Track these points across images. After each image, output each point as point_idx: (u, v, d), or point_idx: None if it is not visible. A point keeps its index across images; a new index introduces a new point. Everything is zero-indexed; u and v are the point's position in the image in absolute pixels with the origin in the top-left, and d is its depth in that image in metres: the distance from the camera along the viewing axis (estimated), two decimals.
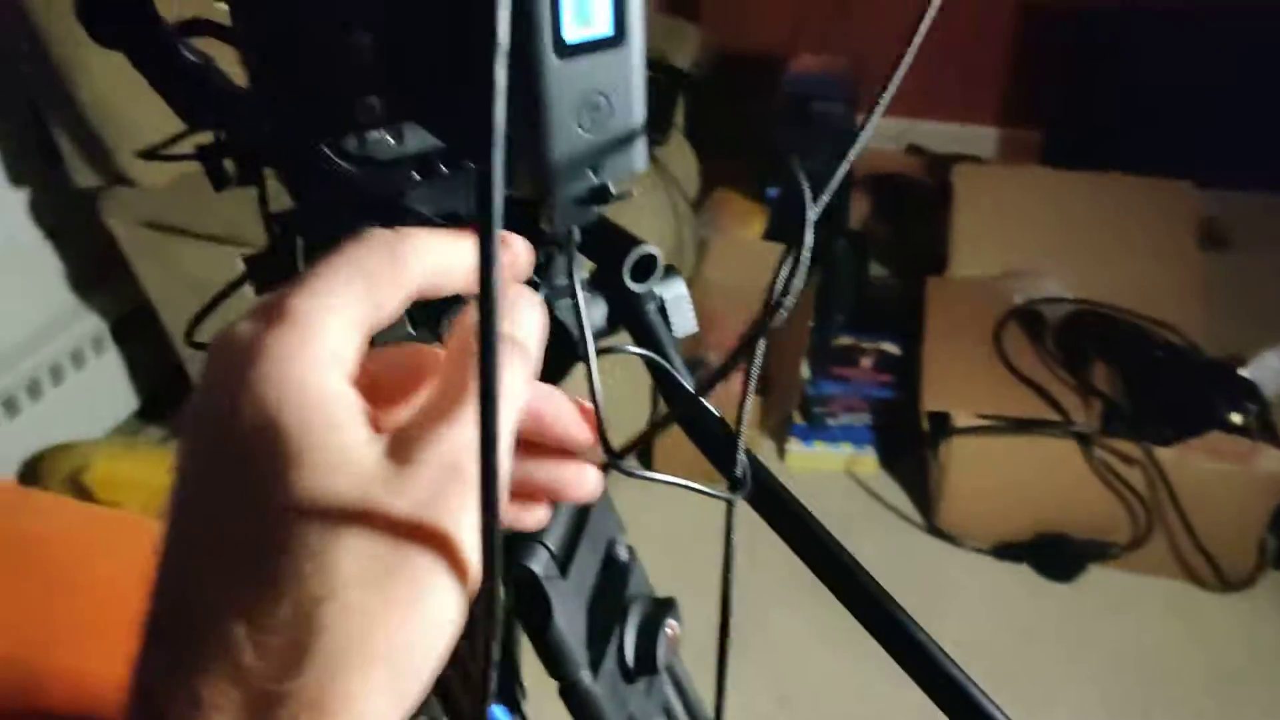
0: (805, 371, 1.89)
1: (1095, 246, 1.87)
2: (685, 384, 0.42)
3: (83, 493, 1.53)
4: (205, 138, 0.51)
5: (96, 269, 1.73)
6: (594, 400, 0.37)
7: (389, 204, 0.36)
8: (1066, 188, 1.95)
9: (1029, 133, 2.67)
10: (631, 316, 0.46)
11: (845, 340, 1.94)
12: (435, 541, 0.23)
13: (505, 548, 0.24)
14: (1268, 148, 2.33)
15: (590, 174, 0.30)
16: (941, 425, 1.65)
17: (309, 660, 0.22)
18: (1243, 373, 1.66)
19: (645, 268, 0.39)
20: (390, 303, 0.26)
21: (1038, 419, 1.60)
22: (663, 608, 0.59)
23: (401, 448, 0.24)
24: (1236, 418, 1.58)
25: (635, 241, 0.37)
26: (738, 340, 0.36)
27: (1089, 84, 2.45)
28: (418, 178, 0.36)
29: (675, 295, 0.49)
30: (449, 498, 0.23)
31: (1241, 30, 2.30)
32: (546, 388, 0.32)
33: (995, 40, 2.63)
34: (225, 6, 0.40)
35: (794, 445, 1.82)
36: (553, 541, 0.51)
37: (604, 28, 0.28)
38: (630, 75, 0.29)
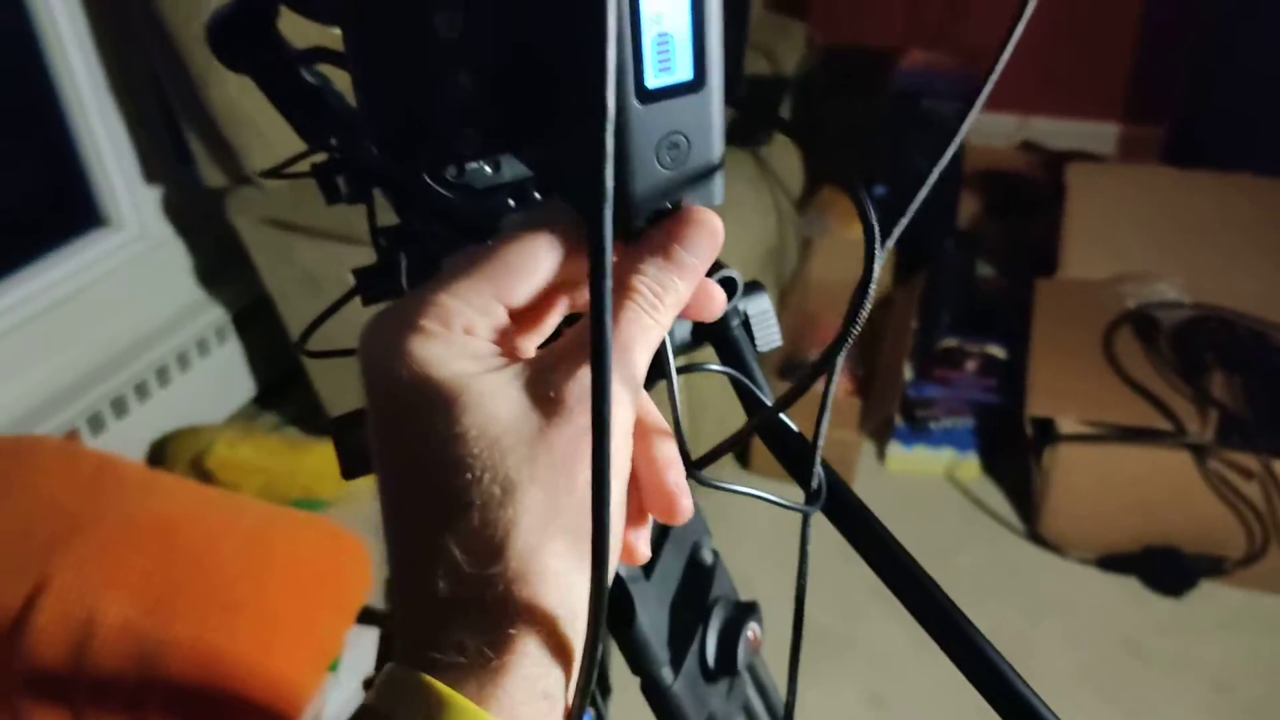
0: (908, 373, 1.87)
1: (1215, 249, 1.80)
2: (765, 399, 0.43)
3: (204, 475, 1.62)
4: (320, 155, 0.55)
5: (221, 263, 1.83)
6: (674, 414, 0.39)
7: (484, 227, 0.38)
8: (1186, 187, 1.89)
9: (1151, 129, 2.57)
10: (716, 332, 0.47)
11: (950, 342, 1.91)
12: (579, 437, 0.28)
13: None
14: None
15: (669, 207, 0.32)
16: (1047, 431, 1.61)
17: (506, 548, 0.27)
18: None
19: (726, 290, 0.40)
20: (518, 288, 0.30)
21: (1149, 428, 1.55)
22: (745, 611, 0.60)
23: (539, 377, 0.29)
24: None
25: (717, 265, 0.39)
26: (820, 353, 0.37)
27: (1215, 77, 2.35)
28: (513, 204, 0.38)
29: (760, 310, 0.51)
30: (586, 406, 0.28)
31: None
32: (645, 402, 0.35)
33: (1117, 31, 2.55)
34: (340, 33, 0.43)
35: (894, 448, 1.81)
36: None
37: (685, 73, 0.30)
38: (709, 116, 0.31)
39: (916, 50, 2.30)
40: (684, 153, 0.31)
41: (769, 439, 0.41)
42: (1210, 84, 2.34)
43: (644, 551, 0.35)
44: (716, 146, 0.32)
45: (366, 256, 0.53)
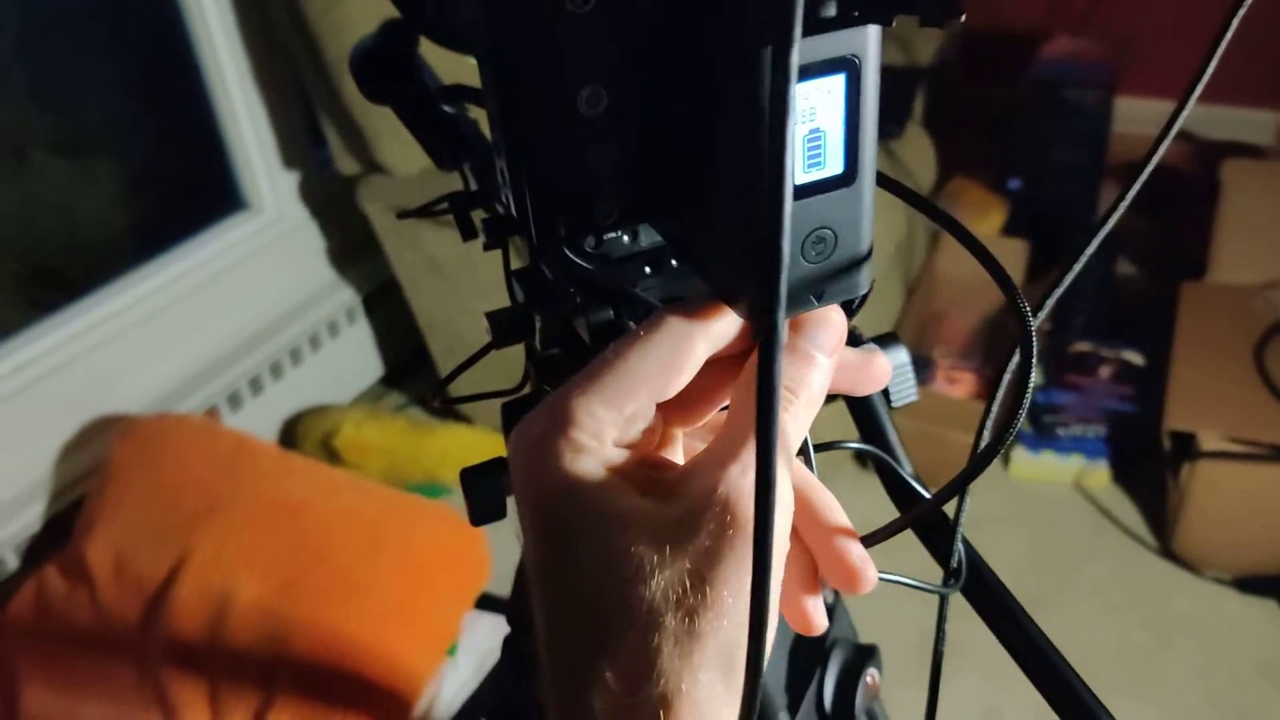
0: (1038, 377, 1.80)
1: None
2: (909, 481, 0.42)
3: (332, 455, 1.68)
4: (456, 185, 0.55)
5: (352, 247, 1.88)
6: None
7: (618, 292, 0.38)
8: None
9: None
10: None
11: (1083, 346, 1.83)
12: (726, 557, 0.27)
13: None
14: None
15: (813, 300, 0.31)
16: (1186, 446, 1.53)
17: (653, 676, 0.27)
18: None
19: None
20: (670, 387, 0.30)
21: None
22: (864, 655, 0.59)
23: (672, 488, 0.29)
24: None
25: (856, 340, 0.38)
26: (986, 390, 0.36)
27: None
28: (648, 271, 0.37)
29: (897, 364, 0.49)
30: (724, 528, 0.28)
31: None
32: (810, 476, 0.34)
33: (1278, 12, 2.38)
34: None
35: (1020, 452, 1.75)
36: None
37: (836, 168, 0.29)
38: (859, 210, 0.30)
39: (1061, 36, 2.20)
40: (830, 246, 0.30)
41: (912, 513, 0.40)
42: None
43: (821, 623, 0.34)
44: (865, 239, 0.30)
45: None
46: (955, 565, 0.41)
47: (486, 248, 0.46)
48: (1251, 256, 1.76)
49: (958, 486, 0.35)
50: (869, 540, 0.37)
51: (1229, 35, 0.33)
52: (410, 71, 0.55)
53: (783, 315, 0.24)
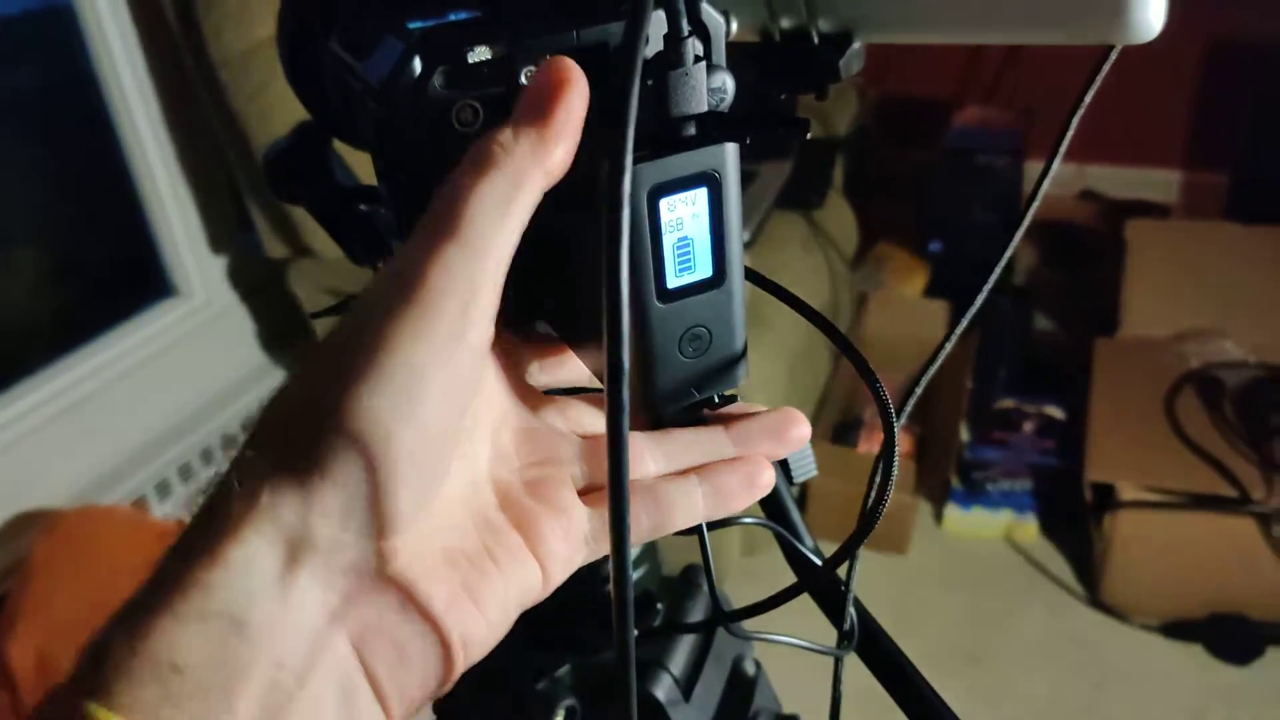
0: (965, 434, 1.84)
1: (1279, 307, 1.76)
2: (808, 554, 0.44)
3: None
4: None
5: (283, 330, 1.87)
6: (706, 565, 0.40)
7: None
8: (1250, 243, 1.85)
9: (1214, 177, 2.52)
10: None
11: (1007, 402, 1.88)
12: None
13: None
14: None
15: (694, 392, 0.33)
16: (1107, 496, 1.58)
17: None
18: None
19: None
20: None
21: (1213, 495, 1.51)
22: None
23: None
24: None
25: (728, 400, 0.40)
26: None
27: (1276, 127, 2.30)
28: None
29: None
30: None
31: None
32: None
33: (1178, 77, 2.51)
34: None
35: (951, 510, 1.79)
36: (676, 667, 0.54)
37: (705, 271, 0.31)
38: (731, 310, 0.32)
39: (972, 105, 2.30)
40: (705, 343, 0.32)
41: (805, 579, 0.42)
42: (1271, 132, 2.30)
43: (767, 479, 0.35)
44: (738, 337, 0.33)
45: None
46: (848, 628, 0.43)
47: None
48: (1159, 311, 1.84)
49: (846, 552, 0.36)
50: (766, 605, 0.39)
51: (1086, 101, 0.36)
52: (323, 171, 0.57)
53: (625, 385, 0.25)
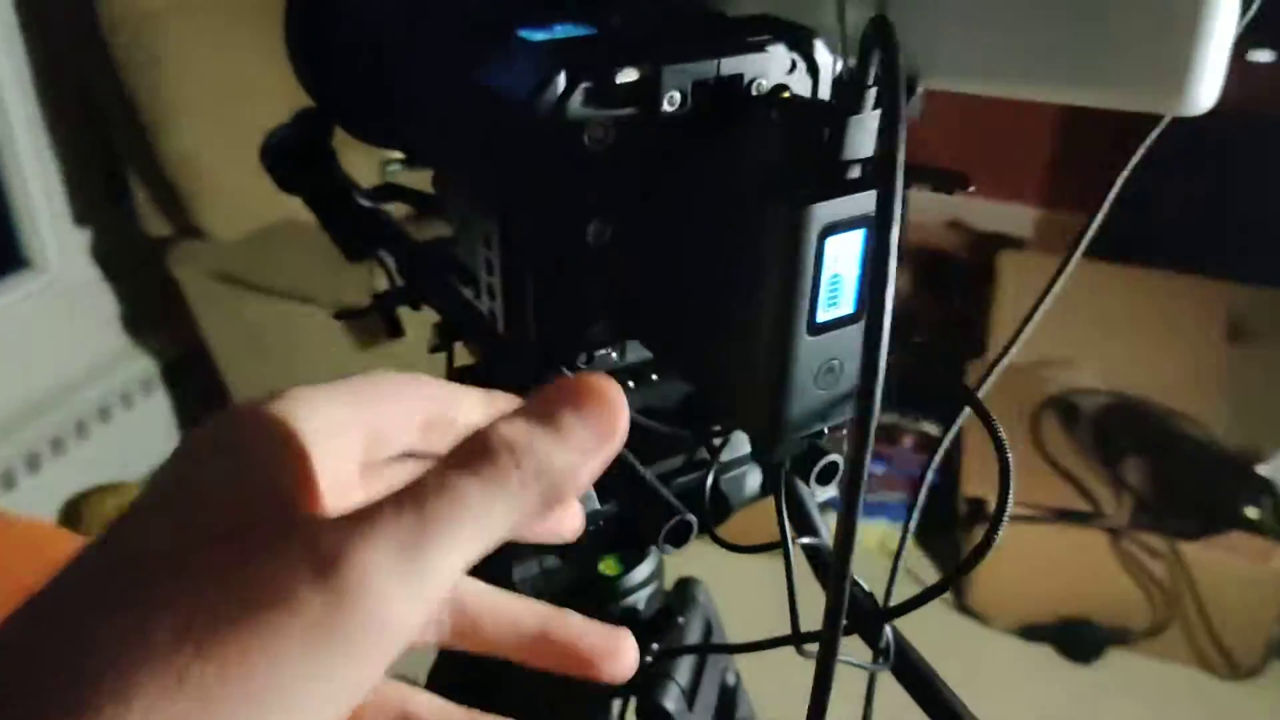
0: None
1: (1127, 338, 1.90)
2: (860, 583, 0.45)
3: None
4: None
5: (149, 313, 1.76)
6: (790, 588, 0.41)
7: None
8: (1103, 278, 1.98)
9: (1070, 216, 2.68)
10: (781, 486, 0.49)
11: (889, 417, 1.95)
12: None
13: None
14: None
15: (819, 422, 0.33)
16: (978, 510, 1.68)
17: None
18: (1261, 469, 1.69)
19: (828, 474, 0.42)
20: (389, 421, 0.27)
21: (1071, 510, 1.63)
22: None
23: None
24: (1253, 512, 1.62)
25: (822, 451, 0.41)
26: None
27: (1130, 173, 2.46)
28: (631, 385, 0.39)
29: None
30: None
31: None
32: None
33: (1039, 118, 2.66)
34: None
35: (829, 518, 1.84)
36: (682, 678, 0.54)
37: (849, 308, 0.31)
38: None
39: None
40: (837, 375, 0.33)
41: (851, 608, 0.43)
42: (1129, 177, 2.45)
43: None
44: None
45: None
46: (883, 646, 0.44)
47: (432, 349, 0.46)
48: (1024, 337, 1.95)
49: (919, 602, 0.38)
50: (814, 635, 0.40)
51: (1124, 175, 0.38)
52: (326, 162, 0.54)
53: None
